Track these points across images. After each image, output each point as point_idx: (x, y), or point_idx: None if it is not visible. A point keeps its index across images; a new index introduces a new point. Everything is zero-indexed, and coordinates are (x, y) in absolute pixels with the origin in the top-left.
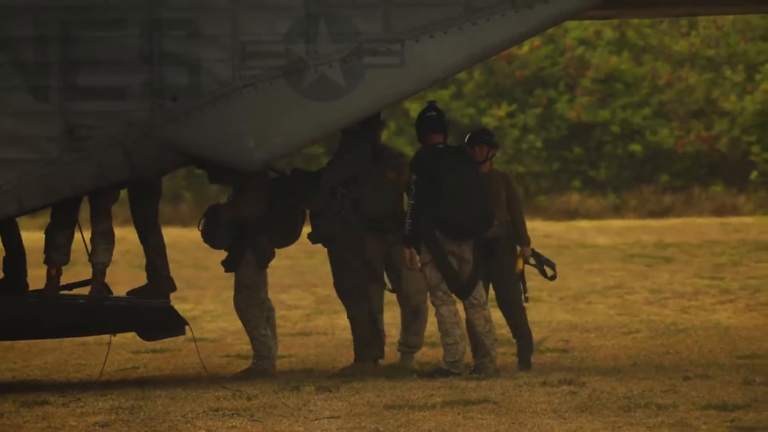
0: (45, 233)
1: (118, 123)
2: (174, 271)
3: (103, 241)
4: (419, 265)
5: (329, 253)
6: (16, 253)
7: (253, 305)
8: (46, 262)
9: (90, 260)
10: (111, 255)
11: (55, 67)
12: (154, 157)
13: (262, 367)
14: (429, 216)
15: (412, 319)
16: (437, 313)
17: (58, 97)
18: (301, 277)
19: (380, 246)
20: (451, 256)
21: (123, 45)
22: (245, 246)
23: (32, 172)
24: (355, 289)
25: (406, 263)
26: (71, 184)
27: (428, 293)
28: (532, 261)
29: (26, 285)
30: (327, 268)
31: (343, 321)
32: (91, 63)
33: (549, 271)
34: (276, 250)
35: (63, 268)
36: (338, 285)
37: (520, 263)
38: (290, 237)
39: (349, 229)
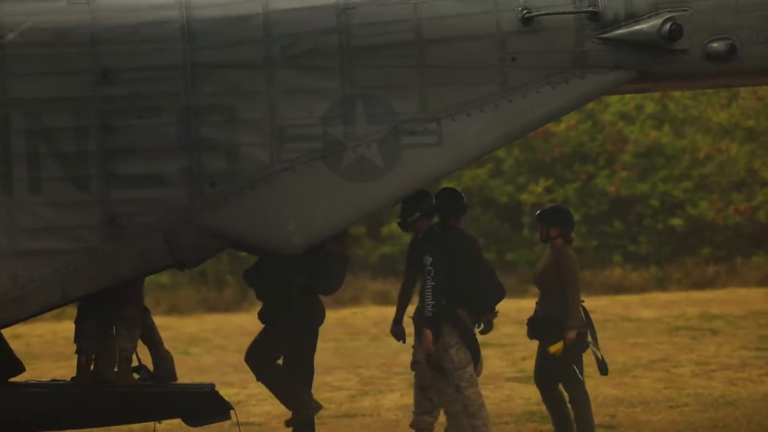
0: (75, 322)
1: (157, 210)
2: (219, 356)
3: (126, 327)
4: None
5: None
6: None
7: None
8: (76, 351)
9: (115, 347)
10: (135, 341)
11: (94, 156)
12: (194, 243)
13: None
14: (450, 296)
15: (422, 396)
16: (463, 396)
17: (98, 186)
18: (345, 358)
19: None
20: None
21: (161, 132)
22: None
23: (74, 262)
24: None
25: (427, 345)
26: (113, 273)
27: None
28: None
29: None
30: (371, 349)
31: (388, 401)
32: (129, 151)
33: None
34: (320, 329)
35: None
36: (251, 356)
37: (558, 345)
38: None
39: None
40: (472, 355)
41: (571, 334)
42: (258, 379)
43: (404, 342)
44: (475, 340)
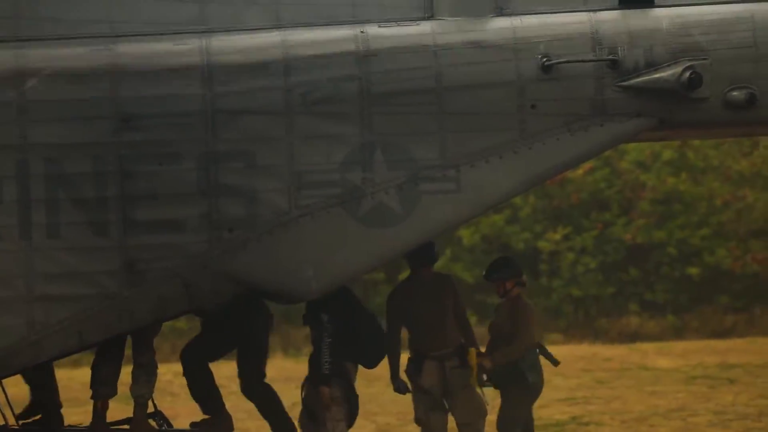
0: (91, 367)
1: (176, 256)
2: (235, 402)
3: (144, 373)
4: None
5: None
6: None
7: None
8: (92, 396)
9: (131, 392)
10: (152, 387)
11: (113, 202)
12: (212, 288)
13: None
14: (344, 352)
15: None
16: None
17: (117, 231)
18: (362, 405)
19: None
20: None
21: (180, 178)
22: None
23: (92, 308)
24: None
25: (326, 402)
26: (131, 319)
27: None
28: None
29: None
30: (388, 396)
31: None
32: (148, 197)
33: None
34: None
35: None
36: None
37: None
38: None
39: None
40: (350, 410)
41: (487, 361)
42: (184, 374)
43: (409, 392)
44: (356, 395)
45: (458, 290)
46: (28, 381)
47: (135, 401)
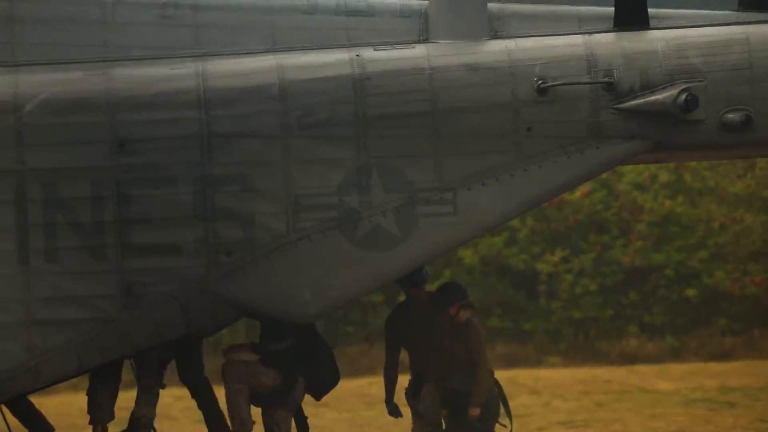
0: (87, 393)
1: (173, 279)
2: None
3: (147, 394)
4: None
5: None
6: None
7: None
8: (90, 421)
9: (133, 413)
10: (154, 408)
11: (110, 226)
12: (210, 312)
13: None
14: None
15: None
16: None
17: (114, 255)
18: (361, 428)
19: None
20: None
21: (177, 202)
22: None
23: (91, 332)
24: None
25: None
26: (129, 342)
27: None
28: None
29: None
30: (387, 419)
31: None
32: (145, 221)
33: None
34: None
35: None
36: None
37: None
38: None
39: None
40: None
41: (475, 411)
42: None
43: (402, 417)
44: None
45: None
46: (14, 413)
47: (138, 422)
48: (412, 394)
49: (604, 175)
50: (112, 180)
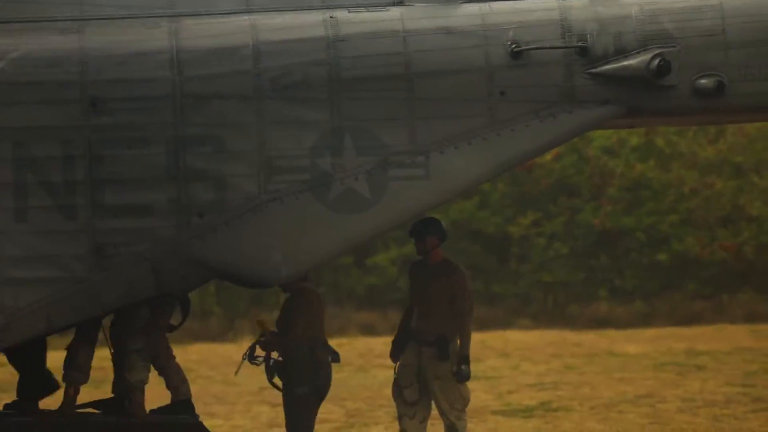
0: (67, 350)
1: (145, 240)
2: (204, 386)
3: (140, 358)
4: None
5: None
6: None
7: None
8: (64, 379)
9: (128, 379)
10: (148, 372)
11: (81, 186)
12: (181, 273)
13: None
14: None
15: None
16: None
17: (85, 215)
18: (331, 390)
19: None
20: None
21: (149, 162)
22: None
23: (61, 291)
24: None
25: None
26: (99, 303)
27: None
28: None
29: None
30: (357, 381)
31: None
32: (117, 181)
33: None
34: None
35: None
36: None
37: None
38: None
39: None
40: None
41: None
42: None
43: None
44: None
45: (466, 284)
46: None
47: (132, 387)
48: (396, 349)
49: (573, 140)
50: (83, 139)
